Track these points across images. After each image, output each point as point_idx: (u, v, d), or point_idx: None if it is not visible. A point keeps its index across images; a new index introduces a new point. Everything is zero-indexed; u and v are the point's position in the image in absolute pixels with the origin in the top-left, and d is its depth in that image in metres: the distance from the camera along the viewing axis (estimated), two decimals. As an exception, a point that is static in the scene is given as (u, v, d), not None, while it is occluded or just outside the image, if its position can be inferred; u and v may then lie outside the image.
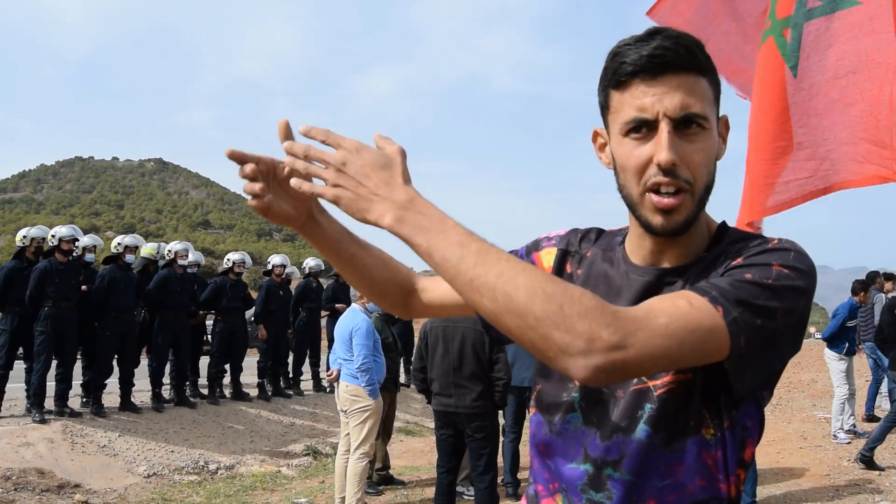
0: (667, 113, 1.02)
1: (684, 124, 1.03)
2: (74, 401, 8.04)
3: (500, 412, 5.14)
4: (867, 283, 8.71)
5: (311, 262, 11.18)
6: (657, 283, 1.12)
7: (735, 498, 1.09)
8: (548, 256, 1.30)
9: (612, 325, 0.88)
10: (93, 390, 7.90)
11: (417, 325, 7.92)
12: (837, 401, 8.27)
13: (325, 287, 11.11)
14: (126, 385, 8.16)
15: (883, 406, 9.39)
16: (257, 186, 1.14)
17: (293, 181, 1.01)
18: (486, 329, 1.37)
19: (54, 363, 7.49)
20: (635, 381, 1.09)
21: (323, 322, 11.09)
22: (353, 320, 5.58)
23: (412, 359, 5.14)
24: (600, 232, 1.30)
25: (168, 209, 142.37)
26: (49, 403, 7.47)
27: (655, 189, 1.05)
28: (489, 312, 0.91)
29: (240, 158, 1.15)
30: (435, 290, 1.41)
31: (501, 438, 5.90)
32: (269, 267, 10.45)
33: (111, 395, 8.30)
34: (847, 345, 8.21)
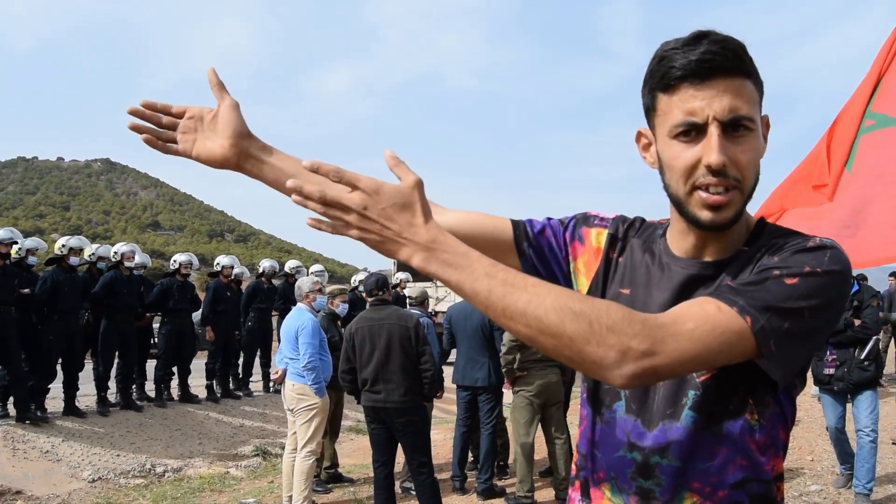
0: (716, 116, 1.04)
1: (732, 127, 1.05)
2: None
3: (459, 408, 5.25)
4: None
5: (266, 264, 11.17)
6: (698, 276, 1.16)
7: (778, 476, 1.14)
8: (598, 236, 1.32)
9: (640, 335, 0.93)
10: (36, 395, 7.74)
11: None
12: None
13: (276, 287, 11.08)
14: (70, 389, 8.02)
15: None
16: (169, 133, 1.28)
17: (310, 221, 1.01)
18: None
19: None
20: None
21: (274, 322, 11.05)
22: (299, 319, 5.61)
23: (340, 361, 5.17)
24: (643, 222, 1.33)
25: (116, 210, 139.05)
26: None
27: (704, 188, 1.08)
28: (525, 336, 0.95)
29: (151, 115, 1.29)
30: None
31: (439, 432, 5.97)
32: (218, 268, 10.38)
33: (55, 399, 8.15)
34: None
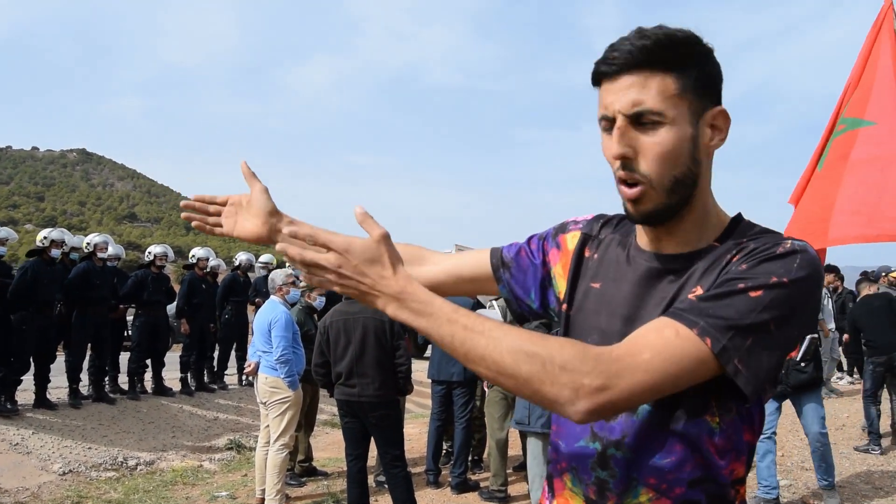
0: (620, 110, 1.08)
1: (639, 120, 1.08)
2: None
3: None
4: None
5: (242, 257, 11.08)
6: (661, 269, 1.17)
7: (737, 480, 1.14)
8: (572, 240, 1.35)
9: (593, 371, 0.96)
10: (8, 386, 7.61)
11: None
12: None
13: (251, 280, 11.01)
14: (41, 381, 7.91)
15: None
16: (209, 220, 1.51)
17: (304, 277, 1.11)
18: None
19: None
20: None
21: (251, 316, 10.98)
22: (272, 312, 5.59)
23: (313, 354, 5.14)
24: (623, 218, 1.33)
25: (92, 201, 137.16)
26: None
27: (621, 180, 1.12)
28: (488, 377, 1.01)
29: (200, 206, 1.51)
30: (428, 273, 1.45)
31: (414, 426, 5.95)
32: (194, 260, 10.29)
33: (25, 391, 8.04)
34: None
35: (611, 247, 1.29)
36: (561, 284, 1.34)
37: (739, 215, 1.21)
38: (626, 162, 1.10)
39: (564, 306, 1.30)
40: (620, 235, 1.29)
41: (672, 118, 1.08)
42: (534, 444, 4.71)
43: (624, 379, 0.96)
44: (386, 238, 1.05)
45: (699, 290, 1.09)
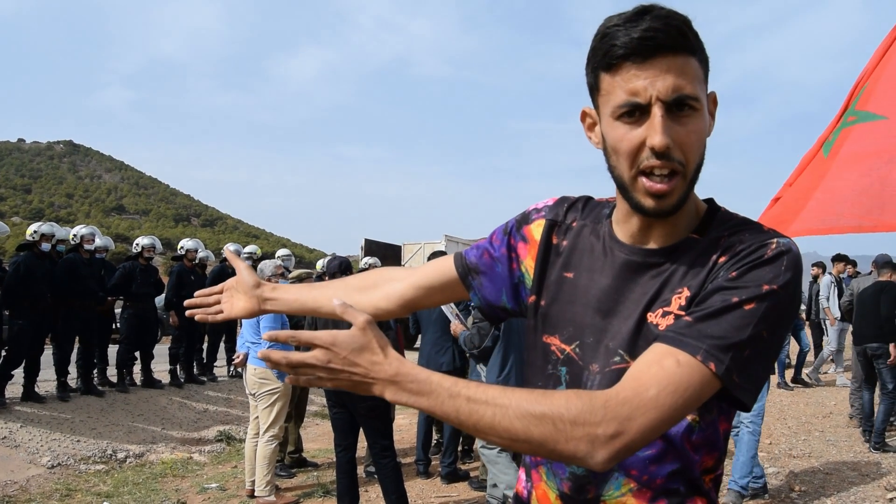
0: (659, 96, 1.01)
1: (677, 107, 1.02)
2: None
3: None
4: None
5: (230, 248, 11.04)
6: (642, 263, 1.14)
7: (706, 470, 1.15)
8: (537, 229, 1.31)
9: (604, 420, 0.94)
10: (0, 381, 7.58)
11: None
12: None
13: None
14: (30, 374, 7.86)
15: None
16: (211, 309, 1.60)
17: (288, 380, 1.09)
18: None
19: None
20: (616, 358, 1.12)
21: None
22: (261, 303, 5.56)
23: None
24: (588, 201, 1.30)
25: (80, 194, 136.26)
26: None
27: (648, 172, 1.04)
28: (502, 445, 0.99)
29: (202, 301, 1.60)
30: (405, 293, 1.44)
31: (404, 417, 5.92)
32: (182, 252, 10.24)
33: (13, 384, 7.98)
34: None
35: (582, 234, 1.25)
36: (532, 277, 1.31)
37: (713, 202, 1.18)
38: (665, 152, 1.02)
39: (532, 297, 1.27)
40: (591, 223, 1.25)
41: (702, 104, 1.05)
42: None
43: (636, 420, 0.95)
44: (370, 324, 1.05)
45: (686, 292, 1.08)
